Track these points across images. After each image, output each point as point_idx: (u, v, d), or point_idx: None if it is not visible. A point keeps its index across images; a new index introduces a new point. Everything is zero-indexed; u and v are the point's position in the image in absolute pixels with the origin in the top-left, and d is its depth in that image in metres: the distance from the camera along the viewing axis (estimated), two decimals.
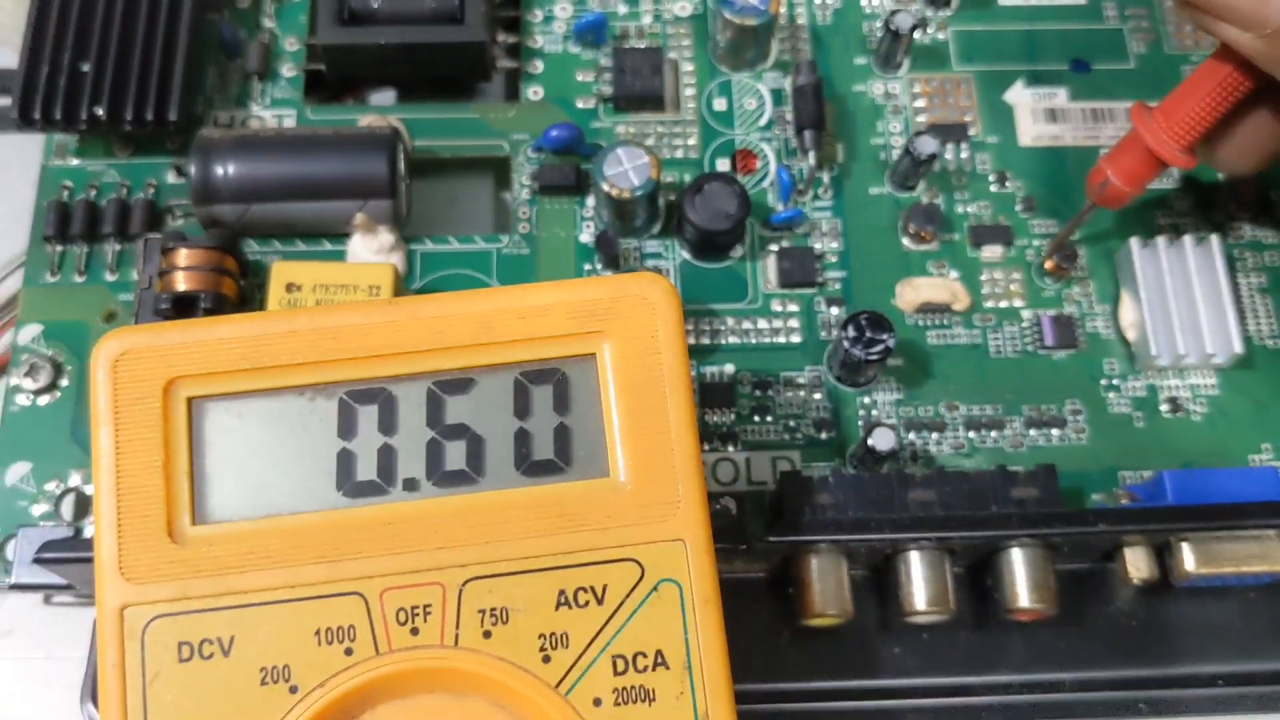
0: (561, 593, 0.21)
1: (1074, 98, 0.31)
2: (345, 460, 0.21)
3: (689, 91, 0.31)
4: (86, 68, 0.29)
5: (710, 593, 0.21)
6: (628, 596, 0.21)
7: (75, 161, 0.30)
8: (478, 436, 0.22)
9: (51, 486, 0.27)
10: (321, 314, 0.22)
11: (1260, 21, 0.24)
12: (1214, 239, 0.28)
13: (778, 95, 0.31)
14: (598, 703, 0.20)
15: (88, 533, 0.26)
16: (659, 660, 0.21)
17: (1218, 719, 0.27)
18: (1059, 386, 0.28)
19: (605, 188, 0.27)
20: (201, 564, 0.21)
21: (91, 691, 0.26)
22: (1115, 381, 0.28)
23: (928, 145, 0.28)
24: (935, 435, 0.27)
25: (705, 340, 0.28)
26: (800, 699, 0.26)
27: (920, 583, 0.25)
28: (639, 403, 0.21)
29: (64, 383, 0.28)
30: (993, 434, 0.27)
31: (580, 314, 0.22)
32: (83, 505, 0.27)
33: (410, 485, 0.21)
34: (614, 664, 0.21)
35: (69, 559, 0.24)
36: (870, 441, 0.26)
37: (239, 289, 0.28)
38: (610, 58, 0.31)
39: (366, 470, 0.21)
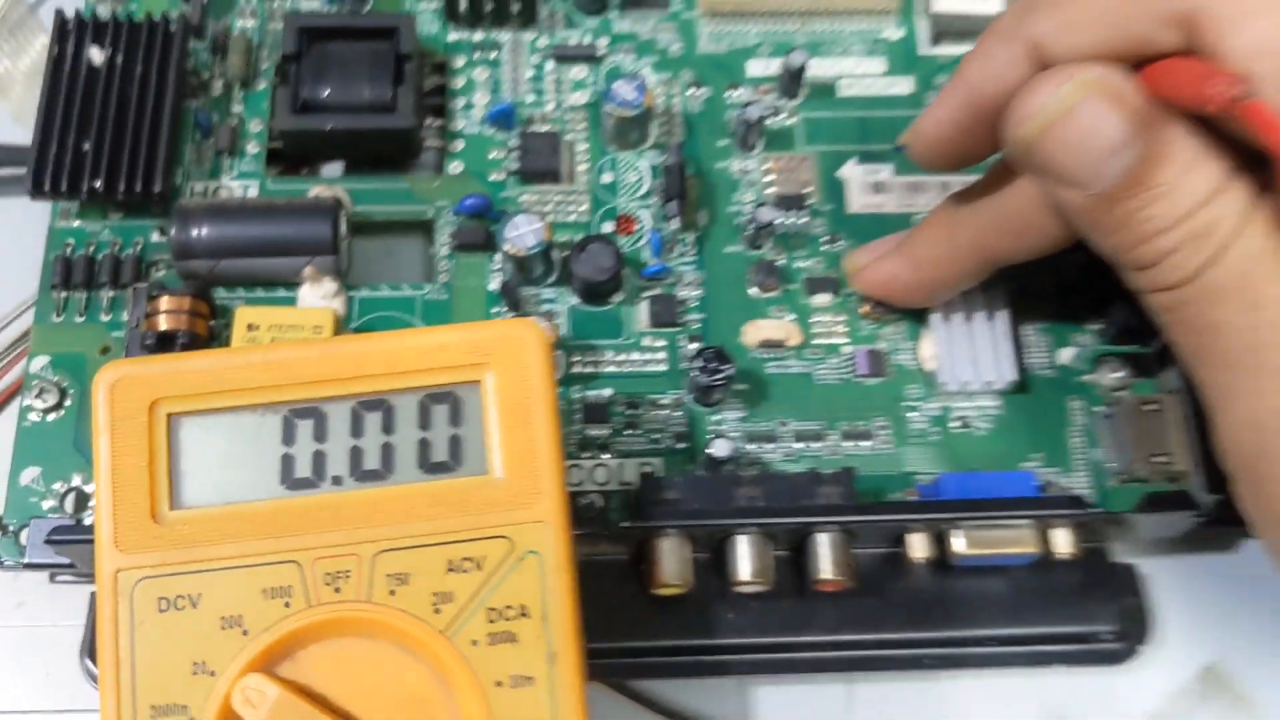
0: (450, 561, 0.27)
1: (896, 173, 0.37)
2: (287, 462, 0.27)
3: (582, 167, 0.37)
4: (87, 147, 0.35)
5: (563, 561, 0.27)
6: (500, 564, 0.27)
7: (77, 223, 0.35)
8: (389, 444, 0.28)
9: (57, 486, 0.32)
10: (270, 350, 0.28)
11: (1085, 183, 0.26)
12: (1000, 288, 0.35)
13: (655, 170, 0.37)
14: (475, 643, 0.26)
15: (86, 521, 0.32)
16: (522, 611, 0.27)
17: (990, 671, 0.34)
18: (870, 407, 0.34)
19: (506, 247, 0.34)
20: (177, 539, 0.26)
21: (88, 649, 0.32)
22: (915, 403, 0.34)
23: (766, 214, 0.35)
24: (770, 445, 0.34)
25: (589, 369, 0.35)
26: (653, 654, 0.33)
27: (746, 560, 0.32)
28: (513, 418, 0.28)
29: (68, 403, 0.33)
30: (815, 445, 0.34)
31: (470, 350, 0.28)
32: (82, 501, 0.32)
33: (337, 480, 0.27)
34: (488, 615, 0.27)
35: (72, 540, 0.30)
36: (709, 450, 0.33)
37: (209, 328, 0.34)
38: (518, 139, 0.37)
39: (303, 469, 0.27)
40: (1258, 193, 0.25)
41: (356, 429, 0.28)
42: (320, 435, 0.28)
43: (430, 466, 0.28)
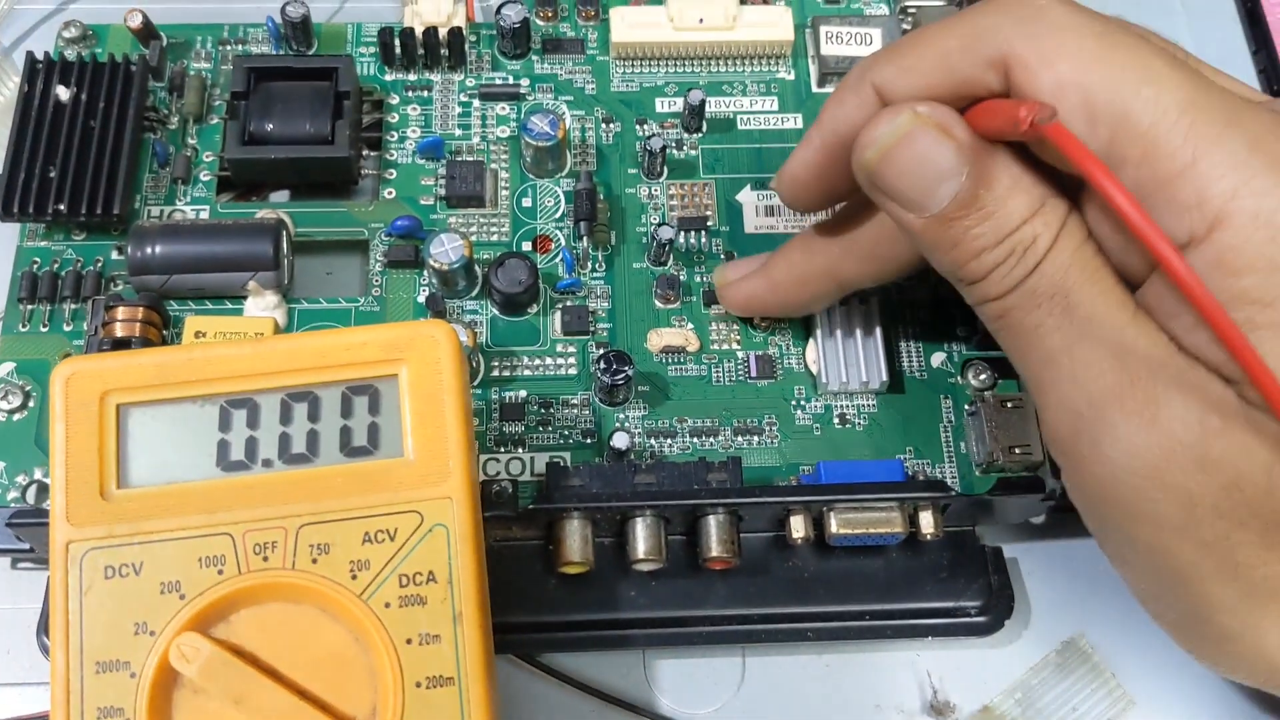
0: (366, 533, 0.30)
1: None
2: (223, 446, 0.30)
3: (504, 192, 0.41)
4: (53, 174, 0.38)
5: (469, 533, 0.30)
6: (411, 535, 0.30)
7: (43, 243, 0.39)
8: (314, 430, 0.31)
9: (20, 479, 0.35)
10: (208, 348, 0.31)
11: (921, 205, 0.29)
12: (874, 300, 0.39)
13: (570, 195, 0.41)
14: (388, 605, 0.29)
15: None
16: (431, 577, 0.30)
17: (869, 643, 0.37)
18: (760, 406, 0.38)
19: (431, 262, 0.38)
20: (123, 514, 0.29)
21: (44, 626, 0.35)
22: (801, 402, 0.38)
23: (665, 232, 0.39)
24: (669, 440, 0.37)
25: (506, 373, 0.38)
26: (560, 629, 0.36)
27: (642, 540, 0.35)
28: (426, 406, 0.31)
29: (31, 404, 0.36)
30: (710, 440, 0.38)
31: (388, 347, 0.31)
32: (43, 492, 0.35)
33: (267, 463, 0.30)
34: (400, 580, 0.30)
35: (30, 524, 0.34)
36: (611, 442, 0.36)
37: (162, 337, 0.37)
38: (446, 167, 0.41)
39: (238, 453, 0.30)
40: (1067, 212, 0.29)
41: (285, 417, 0.31)
42: (253, 423, 0.31)
43: (351, 450, 0.31)
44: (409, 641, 0.29)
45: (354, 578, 0.30)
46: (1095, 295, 0.28)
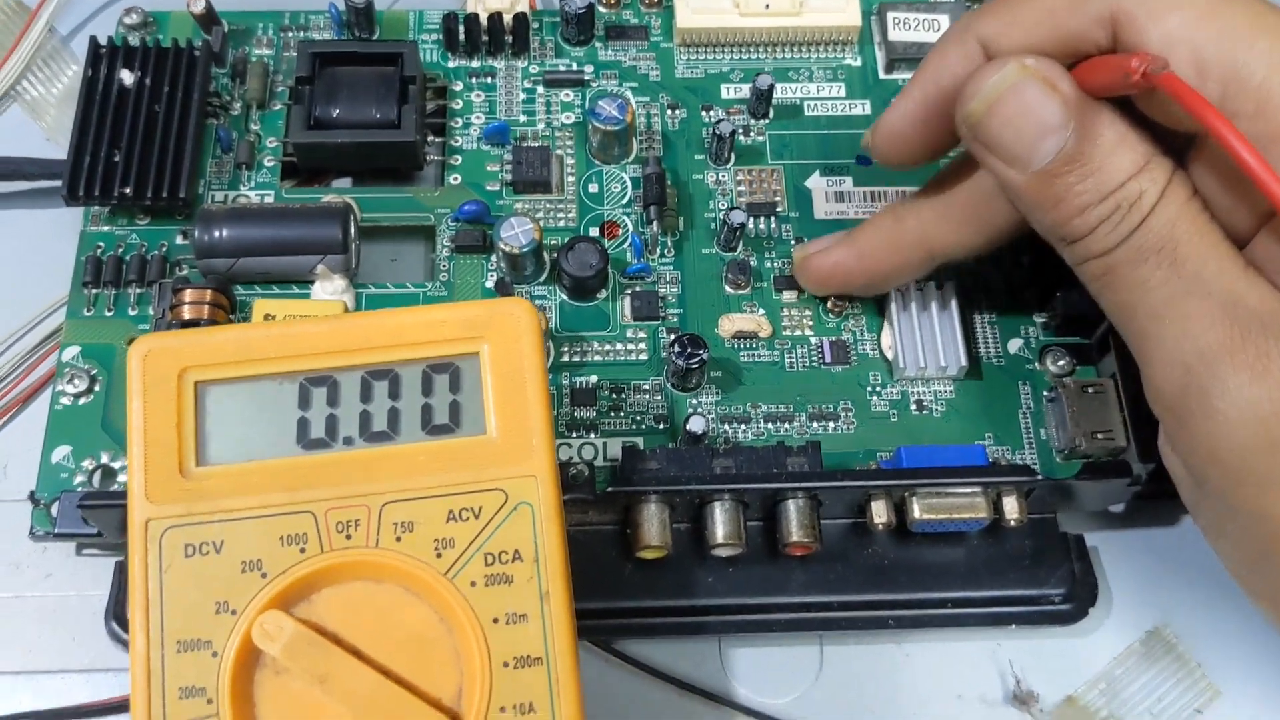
0: (450, 511, 0.29)
1: (856, 184, 0.41)
2: (303, 424, 0.30)
3: (570, 178, 0.41)
4: (118, 157, 0.38)
5: (553, 510, 0.29)
6: (496, 513, 0.29)
7: (106, 228, 0.38)
8: (395, 408, 0.30)
9: (86, 463, 0.35)
10: (287, 325, 0.31)
11: (1025, 161, 0.29)
12: (950, 284, 0.38)
13: (636, 181, 0.41)
14: (473, 584, 0.29)
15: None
16: (516, 556, 0.29)
17: (949, 631, 0.36)
18: (835, 392, 0.37)
19: (501, 245, 0.37)
20: (202, 492, 0.29)
21: (112, 612, 0.35)
22: (877, 388, 0.38)
23: (737, 216, 0.38)
24: (742, 426, 0.37)
25: (576, 358, 0.38)
26: (638, 615, 0.35)
27: (720, 524, 0.34)
28: (507, 384, 0.30)
29: (96, 388, 0.36)
30: (784, 425, 0.37)
31: (468, 325, 0.31)
32: (109, 476, 0.35)
33: (348, 441, 0.30)
34: (485, 558, 0.29)
35: (103, 505, 0.33)
36: (688, 426, 0.35)
37: (229, 320, 0.37)
38: (511, 153, 0.41)
39: (318, 431, 0.30)
40: (1173, 169, 0.29)
41: (366, 395, 0.31)
42: (333, 401, 0.30)
43: (432, 428, 0.30)
44: (495, 621, 0.29)
45: (439, 556, 0.29)
46: (1203, 249, 0.28)
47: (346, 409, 0.30)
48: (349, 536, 0.29)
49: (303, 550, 0.29)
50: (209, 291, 0.36)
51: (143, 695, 0.28)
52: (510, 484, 0.30)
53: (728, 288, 0.39)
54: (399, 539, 0.29)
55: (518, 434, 0.30)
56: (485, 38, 0.42)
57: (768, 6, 0.42)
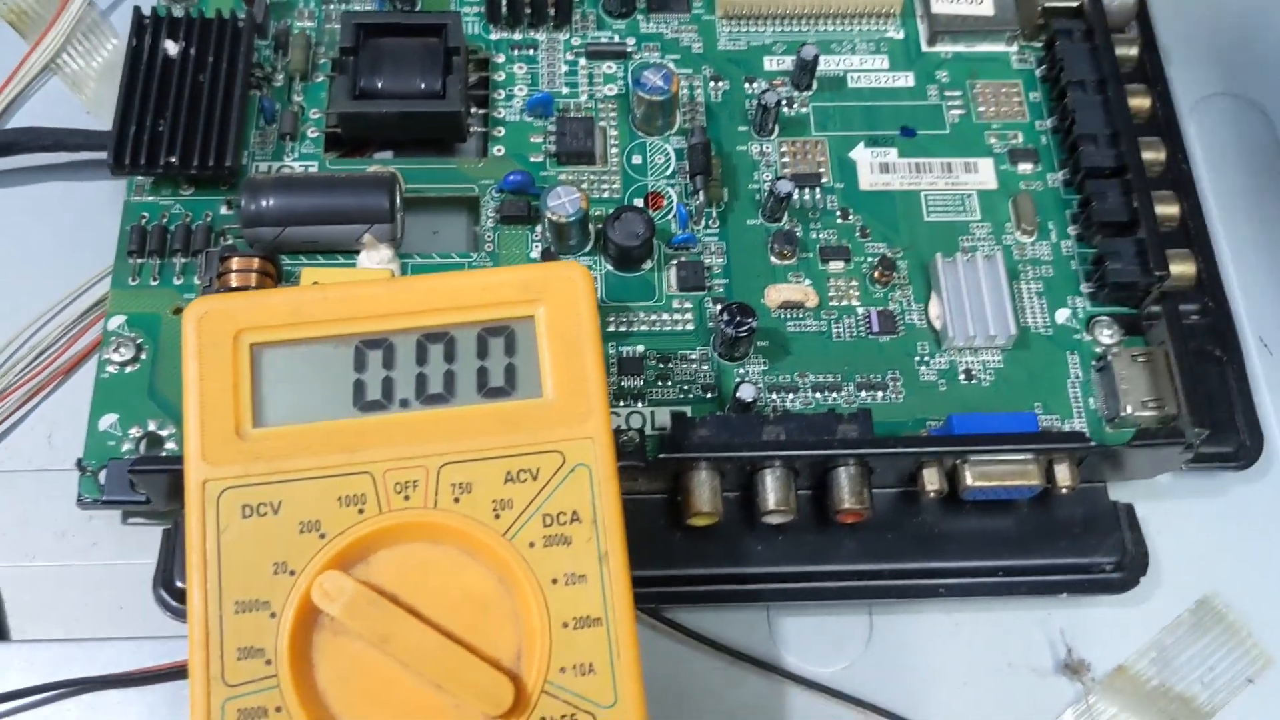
0: (508, 473, 0.29)
1: (901, 155, 0.41)
2: (359, 386, 0.30)
3: (614, 150, 0.41)
4: (163, 127, 0.38)
5: (609, 472, 0.29)
6: (554, 475, 0.29)
7: (150, 198, 0.38)
8: (451, 371, 0.30)
9: (133, 431, 0.35)
10: (342, 288, 0.31)
11: None
12: (999, 254, 0.38)
13: (680, 153, 0.41)
14: (532, 545, 0.29)
15: None
16: (574, 517, 0.29)
17: (999, 600, 0.36)
18: (883, 362, 0.37)
19: (548, 214, 0.37)
20: (259, 453, 0.29)
21: (161, 580, 0.35)
22: (925, 358, 0.37)
23: (784, 186, 0.38)
24: (790, 395, 0.37)
25: (623, 328, 0.38)
26: (687, 583, 0.35)
27: (771, 491, 0.34)
28: (563, 347, 0.30)
29: (142, 357, 0.36)
30: (833, 395, 0.37)
31: (523, 288, 0.31)
32: (155, 443, 0.35)
33: (404, 403, 0.30)
34: (543, 520, 0.29)
35: (153, 470, 0.33)
36: (737, 394, 0.35)
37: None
38: (555, 125, 0.40)
39: (374, 393, 0.30)
40: None
41: (421, 358, 0.31)
42: (389, 363, 0.30)
43: (489, 391, 0.30)
44: (554, 582, 0.29)
45: (497, 517, 0.29)
46: None
47: (402, 371, 0.30)
48: (407, 497, 0.29)
49: (361, 511, 0.29)
50: (256, 260, 0.36)
51: (201, 655, 0.28)
52: (567, 446, 0.30)
53: (773, 258, 0.39)
54: (457, 500, 0.29)
55: (574, 396, 0.30)
56: (528, 10, 0.42)
57: None
